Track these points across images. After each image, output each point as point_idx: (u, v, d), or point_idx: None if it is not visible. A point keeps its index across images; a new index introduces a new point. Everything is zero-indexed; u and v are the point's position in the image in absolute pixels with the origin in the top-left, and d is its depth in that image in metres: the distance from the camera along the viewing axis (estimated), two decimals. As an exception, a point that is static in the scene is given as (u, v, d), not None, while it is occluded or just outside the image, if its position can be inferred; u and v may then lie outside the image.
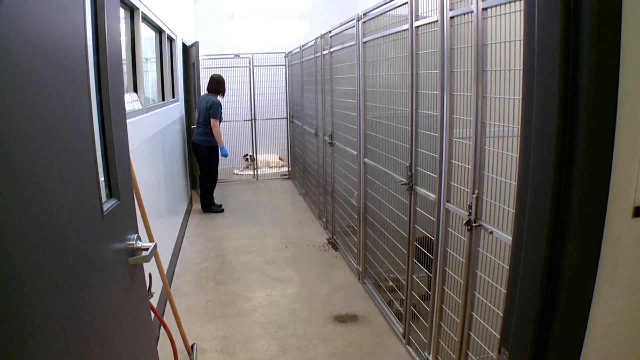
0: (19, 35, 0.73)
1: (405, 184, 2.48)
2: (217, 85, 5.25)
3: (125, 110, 1.44)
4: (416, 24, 2.23)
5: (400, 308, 2.77)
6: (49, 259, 0.81)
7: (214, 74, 5.38)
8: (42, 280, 0.78)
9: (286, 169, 7.51)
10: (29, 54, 0.77)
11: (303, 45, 5.38)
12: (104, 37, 1.17)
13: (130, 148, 1.43)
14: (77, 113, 0.98)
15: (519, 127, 1.04)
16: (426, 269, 2.36)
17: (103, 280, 1.09)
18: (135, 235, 1.33)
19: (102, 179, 1.14)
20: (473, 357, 1.95)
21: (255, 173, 7.32)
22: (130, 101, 2.76)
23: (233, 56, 6.93)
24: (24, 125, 0.75)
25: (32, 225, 0.75)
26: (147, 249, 1.31)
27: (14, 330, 0.68)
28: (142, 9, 3.12)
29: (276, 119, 7.36)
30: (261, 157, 7.60)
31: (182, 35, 5.69)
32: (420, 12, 2.22)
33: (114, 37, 1.24)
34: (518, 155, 1.06)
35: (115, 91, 1.23)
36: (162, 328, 2.44)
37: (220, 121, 5.17)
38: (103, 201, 1.12)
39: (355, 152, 3.41)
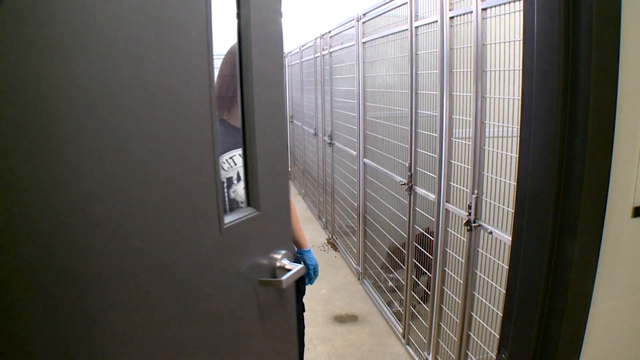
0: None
1: (404, 184, 2.48)
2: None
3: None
4: (416, 24, 2.24)
5: (399, 308, 2.77)
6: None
7: None
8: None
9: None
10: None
11: (302, 46, 5.37)
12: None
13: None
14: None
15: (519, 127, 1.04)
16: (425, 269, 2.36)
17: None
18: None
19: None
20: (473, 357, 1.95)
21: (255, 173, 7.30)
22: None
23: (232, 56, 6.92)
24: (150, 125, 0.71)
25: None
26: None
27: None
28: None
29: (276, 119, 7.34)
30: (261, 158, 7.58)
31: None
32: (419, 13, 2.22)
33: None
34: (517, 156, 1.05)
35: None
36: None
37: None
38: (244, 214, 0.93)
39: (355, 153, 3.41)
